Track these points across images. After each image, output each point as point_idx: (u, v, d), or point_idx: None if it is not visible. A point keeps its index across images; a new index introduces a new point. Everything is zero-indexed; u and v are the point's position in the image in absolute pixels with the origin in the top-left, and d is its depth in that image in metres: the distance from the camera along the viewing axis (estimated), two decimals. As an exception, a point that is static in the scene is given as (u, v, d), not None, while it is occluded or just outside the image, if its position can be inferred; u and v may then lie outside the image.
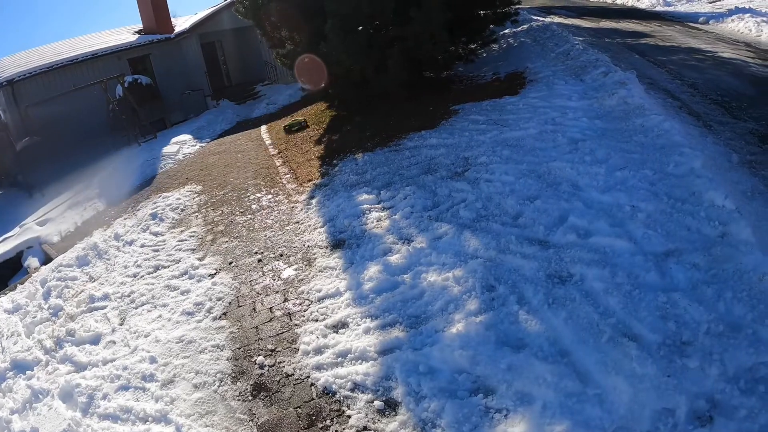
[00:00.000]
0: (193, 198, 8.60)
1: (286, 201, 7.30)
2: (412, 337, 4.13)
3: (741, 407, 3.24)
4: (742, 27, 14.82)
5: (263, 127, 11.79)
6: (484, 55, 11.77)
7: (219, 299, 5.38)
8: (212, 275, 5.87)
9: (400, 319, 4.33)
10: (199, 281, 5.81)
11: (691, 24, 15.33)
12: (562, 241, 4.76)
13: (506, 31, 13.27)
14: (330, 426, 3.66)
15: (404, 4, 8.31)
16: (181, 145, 12.93)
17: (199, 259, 6.31)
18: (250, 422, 3.87)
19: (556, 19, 15.43)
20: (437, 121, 8.16)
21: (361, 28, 8.84)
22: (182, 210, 8.16)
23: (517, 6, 10.98)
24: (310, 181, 7.64)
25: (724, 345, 3.62)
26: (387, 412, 3.65)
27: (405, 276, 4.75)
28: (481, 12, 10.56)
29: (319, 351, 4.29)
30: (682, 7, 19.31)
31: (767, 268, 4.12)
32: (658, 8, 19.67)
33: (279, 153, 9.68)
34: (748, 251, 4.37)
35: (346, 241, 5.67)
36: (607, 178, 5.59)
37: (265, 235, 6.48)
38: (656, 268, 4.35)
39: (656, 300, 4.04)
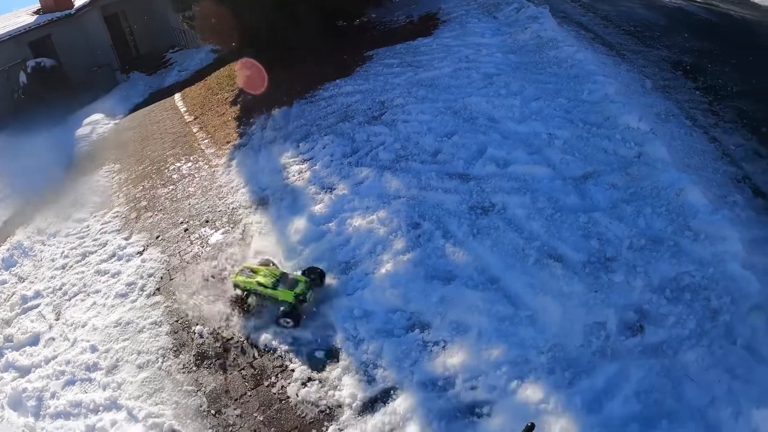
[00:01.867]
0: (113, 177, 8.25)
1: (207, 166, 7.12)
2: (344, 283, 4.19)
3: (669, 315, 3.48)
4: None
5: (177, 95, 11.33)
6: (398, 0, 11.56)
7: (150, 275, 5.27)
8: (140, 253, 5.72)
9: (330, 267, 4.37)
10: (128, 261, 5.66)
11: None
12: (482, 173, 4.87)
13: None
14: (276, 382, 3.73)
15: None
16: (95, 125, 12.30)
17: (126, 239, 6.12)
18: (198, 392, 3.89)
19: None
20: (352, 69, 8.05)
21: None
22: (103, 191, 7.83)
23: None
24: (228, 143, 7.46)
25: (647, 258, 3.86)
26: (328, 361, 3.73)
27: (330, 224, 4.77)
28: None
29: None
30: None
31: (683, 183, 4.37)
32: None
33: (195, 119, 9.35)
34: (664, 169, 4.62)
35: (270, 197, 5.62)
36: (523, 109, 5.70)
37: (189, 204, 6.34)
38: (576, 190, 4.53)
39: (578, 221, 4.23)
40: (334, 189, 5.21)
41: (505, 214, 4.38)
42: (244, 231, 5.28)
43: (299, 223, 4.92)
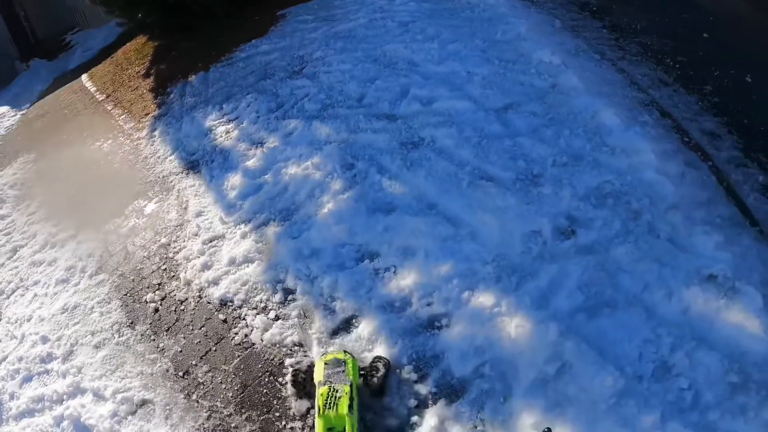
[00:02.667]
0: (30, 168, 7.91)
1: (128, 141, 6.92)
2: (288, 228, 4.29)
3: (596, 218, 3.80)
4: None
5: (84, 76, 10.79)
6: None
7: (89, 255, 5.17)
8: (74, 236, 5.58)
9: (272, 216, 4.47)
10: (62, 246, 5.52)
11: None
12: (407, 112, 5.04)
13: None
14: (238, 332, 3.82)
15: None
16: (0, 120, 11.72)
17: (56, 225, 5.94)
18: (163, 358, 3.93)
19: None
20: (266, 29, 7.93)
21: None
22: (22, 184, 7.51)
23: None
24: (147, 115, 7.26)
25: (570, 172, 4.18)
26: (287, 302, 3.84)
27: (266, 176, 4.84)
28: None
29: (204, 268, 4.35)
30: None
31: (597, 107, 4.75)
32: None
33: (107, 97, 8.96)
34: (578, 96, 4.97)
35: (200, 160, 5.60)
36: (441, 52, 5.88)
37: (117, 180, 6.20)
38: (498, 120, 4.78)
39: (503, 145, 4.49)
40: (265, 143, 5.24)
41: (434, 146, 4.60)
42: (178, 196, 5.26)
43: (234, 180, 4.96)
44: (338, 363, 3.12)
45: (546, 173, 4.22)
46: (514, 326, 3.22)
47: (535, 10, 7.23)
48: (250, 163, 5.06)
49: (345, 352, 3.25)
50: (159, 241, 4.86)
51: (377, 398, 3.17)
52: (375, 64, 5.89)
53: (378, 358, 3.25)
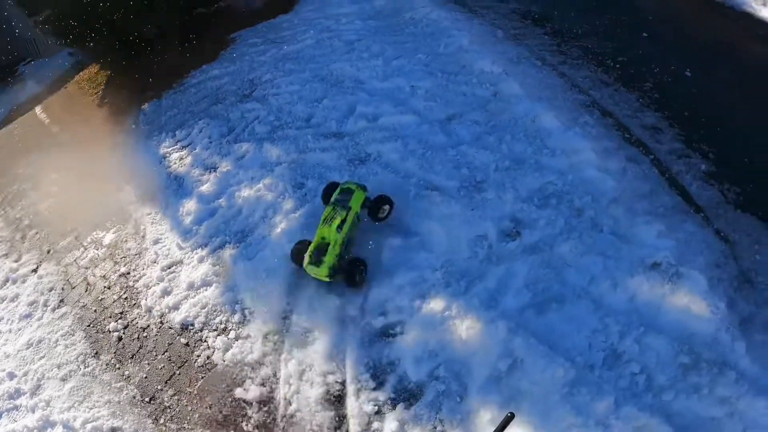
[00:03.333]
0: (-13, 205, 7.86)
1: (85, 171, 6.94)
2: (243, 250, 4.42)
3: (540, 218, 4.03)
4: None
5: (37, 108, 10.73)
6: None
7: (51, 290, 5.20)
8: (35, 270, 5.60)
9: (227, 239, 4.59)
10: (24, 281, 5.52)
11: None
12: (354, 129, 5.23)
13: None
14: (200, 354, 3.93)
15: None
16: (-50, 159, 11.46)
17: (16, 261, 5.93)
18: (129, 385, 4.01)
19: None
20: (216, 53, 8.09)
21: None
22: (-20, 223, 7.47)
23: None
24: (102, 145, 7.30)
25: (512, 176, 4.40)
26: (245, 321, 3.98)
27: (220, 200, 4.95)
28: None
29: (164, 294, 4.44)
30: None
31: (537, 111, 5.00)
32: None
33: (61, 128, 8.93)
34: (519, 102, 5.22)
35: (156, 188, 5.66)
36: (386, 68, 6.10)
37: (74, 212, 6.19)
38: (442, 131, 5.00)
39: (447, 155, 4.71)
40: (218, 167, 5.36)
41: (381, 161, 4.79)
42: (136, 225, 5.33)
43: (189, 205, 5.06)
44: (349, 192, 4.08)
45: (489, 179, 4.43)
46: (465, 328, 3.40)
47: (478, 22, 7.46)
48: (204, 188, 5.16)
49: (359, 185, 4.14)
50: (119, 270, 4.93)
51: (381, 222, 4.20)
52: (322, 83, 6.07)
53: (383, 200, 4.16)
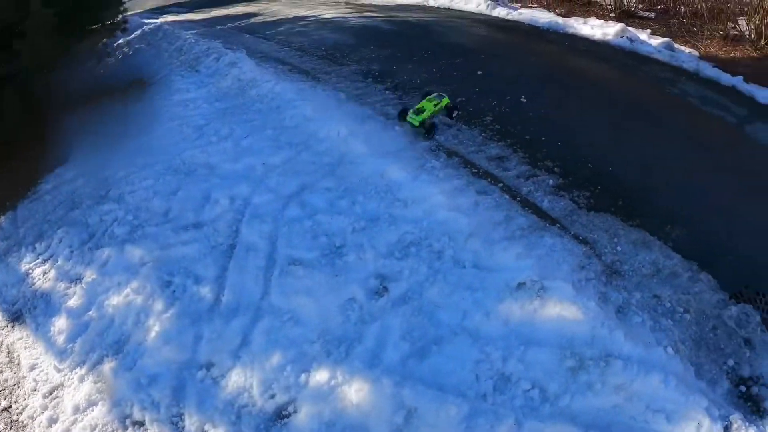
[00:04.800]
0: None
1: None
2: (122, 360, 4.44)
3: (403, 269, 4.40)
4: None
5: None
6: (102, 71, 11.35)
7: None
8: None
9: (104, 352, 4.57)
10: None
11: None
12: (212, 216, 5.45)
13: (120, 41, 12.74)
14: None
15: (6, 36, 7.61)
16: None
17: None
18: None
19: (169, 18, 15.36)
20: (68, 153, 7.91)
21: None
22: None
23: (126, 14, 10.73)
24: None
25: (369, 234, 4.78)
26: (137, 432, 4.01)
27: (90, 312, 4.91)
28: (90, 27, 10.06)
29: (51, 423, 4.33)
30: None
31: (384, 167, 5.46)
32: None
33: None
34: (365, 161, 5.68)
35: (23, 309, 5.54)
36: (236, 149, 6.42)
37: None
38: (297, 204, 5.33)
39: (304, 227, 5.03)
40: (83, 278, 5.32)
41: (243, 244, 5.04)
42: (9, 352, 5.20)
43: (60, 323, 4.99)
44: (440, 96, 6.74)
45: (348, 242, 4.79)
46: (354, 392, 3.64)
47: (321, 88, 8.02)
48: (72, 302, 5.11)
49: (445, 96, 6.79)
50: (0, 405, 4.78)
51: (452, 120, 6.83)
52: (176, 174, 6.24)
53: (455, 107, 6.89)
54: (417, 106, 6.46)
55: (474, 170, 5.78)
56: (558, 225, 4.92)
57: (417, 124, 6.31)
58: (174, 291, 4.78)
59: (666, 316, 4.08)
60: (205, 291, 4.69)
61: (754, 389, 3.65)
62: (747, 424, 3.28)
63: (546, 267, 4.24)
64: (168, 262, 5.06)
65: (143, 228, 5.60)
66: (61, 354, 4.80)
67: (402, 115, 6.59)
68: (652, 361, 3.50)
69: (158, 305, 4.69)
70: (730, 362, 3.82)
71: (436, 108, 6.51)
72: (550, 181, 5.55)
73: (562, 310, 3.78)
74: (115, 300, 4.91)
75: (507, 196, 5.29)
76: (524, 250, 4.37)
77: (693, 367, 3.69)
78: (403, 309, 4.06)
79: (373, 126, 6.80)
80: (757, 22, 9.89)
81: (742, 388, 3.67)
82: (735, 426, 3.23)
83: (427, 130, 6.38)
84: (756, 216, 5.20)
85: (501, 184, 5.49)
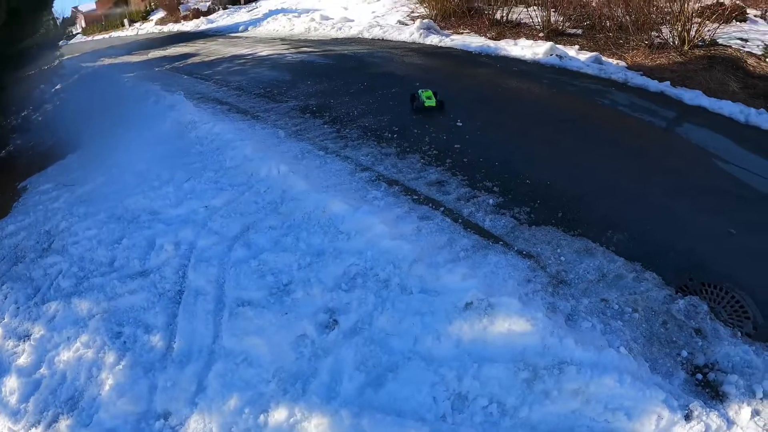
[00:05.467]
0: None
1: None
2: (77, 417, 4.40)
3: (351, 301, 4.50)
4: (277, 26, 17.77)
5: None
6: (40, 118, 11.14)
7: None
8: None
9: (59, 410, 4.52)
10: None
11: (232, 35, 17.27)
12: (158, 263, 5.51)
13: (58, 86, 12.58)
14: None
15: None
16: None
17: None
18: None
19: (107, 61, 15.30)
20: (9, 206, 7.87)
21: None
22: None
23: (62, 59, 10.61)
24: None
25: (315, 269, 4.89)
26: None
27: (41, 370, 4.87)
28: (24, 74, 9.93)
29: None
30: (223, 22, 21.50)
31: (325, 201, 5.58)
32: (202, 27, 21.88)
33: None
34: (307, 197, 5.79)
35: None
36: (178, 193, 6.47)
37: None
38: (242, 245, 5.44)
39: (250, 267, 5.12)
40: (31, 335, 5.28)
41: (191, 289, 5.11)
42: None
43: (11, 383, 4.93)
44: (435, 92, 8.58)
45: (294, 279, 4.89)
46: (314, 427, 3.68)
47: (260, 127, 8.23)
48: (22, 360, 5.07)
49: (435, 93, 8.61)
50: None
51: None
52: (119, 222, 6.28)
53: (441, 102, 8.62)
54: (424, 94, 8.37)
55: (415, 197, 6.00)
56: (501, 242, 5.12)
57: (435, 104, 8.35)
58: (125, 342, 4.80)
59: (615, 318, 4.28)
60: (156, 339, 4.73)
61: (711, 375, 3.82)
62: (708, 409, 3.43)
63: (492, 284, 4.42)
64: (116, 312, 5.08)
65: (89, 279, 5.60)
66: (15, 415, 4.73)
67: (415, 103, 8.54)
68: (605, 362, 3.63)
69: (110, 357, 4.70)
70: (684, 353, 3.99)
71: (434, 97, 8.51)
72: (491, 201, 5.80)
73: (511, 325, 3.91)
74: (65, 355, 4.89)
75: (449, 220, 5.50)
76: (469, 270, 4.52)
77: (647, 363, 3.84)
78: (355, 340, 4.16)
79: (313, 161, 7.01)
80: (679, 28, 10.61)
81: (699, 376, 3.83)
82: (696, 413, 3.37)
83: (440, 106, 8.44)
84: (691, 210, 5.61)
85: (442, 208, 5.69)
